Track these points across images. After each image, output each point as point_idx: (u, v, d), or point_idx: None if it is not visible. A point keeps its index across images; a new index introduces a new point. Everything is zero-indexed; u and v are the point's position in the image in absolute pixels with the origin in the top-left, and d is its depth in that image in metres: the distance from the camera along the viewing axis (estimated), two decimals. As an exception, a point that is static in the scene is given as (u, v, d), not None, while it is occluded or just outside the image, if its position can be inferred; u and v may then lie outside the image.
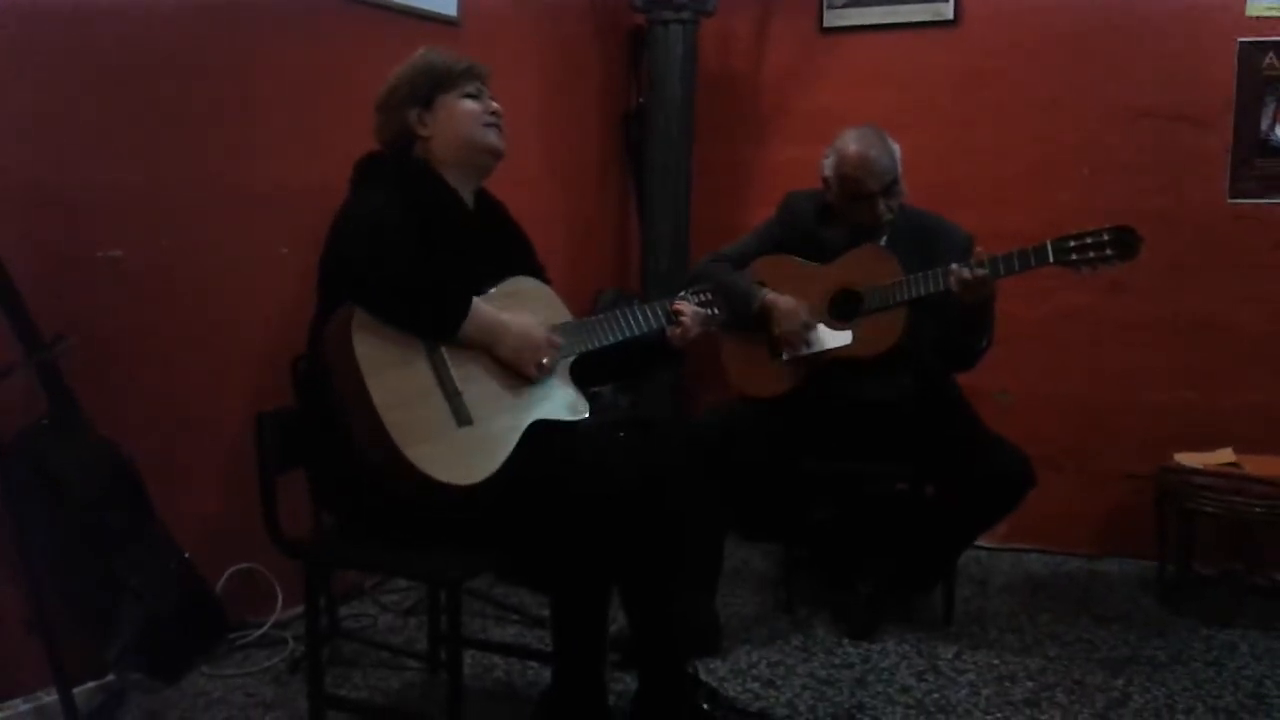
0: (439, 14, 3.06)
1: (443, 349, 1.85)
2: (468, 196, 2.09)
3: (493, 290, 2.00)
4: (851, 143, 2.67)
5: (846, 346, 2.66)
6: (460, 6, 3.12)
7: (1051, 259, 2.41)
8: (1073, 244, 2.40)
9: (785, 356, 2.71)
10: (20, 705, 2.17)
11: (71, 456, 2.12)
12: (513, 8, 3.41)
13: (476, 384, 1.88)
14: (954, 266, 2.47)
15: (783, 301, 2.68)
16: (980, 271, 2.43)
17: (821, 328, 2.69)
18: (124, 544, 2.18)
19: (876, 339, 2.63)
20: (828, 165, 2.71)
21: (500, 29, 3.28)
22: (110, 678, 2.27)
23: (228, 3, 2.52)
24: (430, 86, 2.06)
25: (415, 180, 2.00)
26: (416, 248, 1.82)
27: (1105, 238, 2.38)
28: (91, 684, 2.26)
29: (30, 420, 2.11)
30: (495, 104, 2.11)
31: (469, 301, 1.86)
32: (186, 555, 2.30)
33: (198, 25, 2.46)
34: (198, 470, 2.53)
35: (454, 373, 1.85)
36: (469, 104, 2.07)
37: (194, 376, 2.51)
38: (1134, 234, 2.38)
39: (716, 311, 2.29)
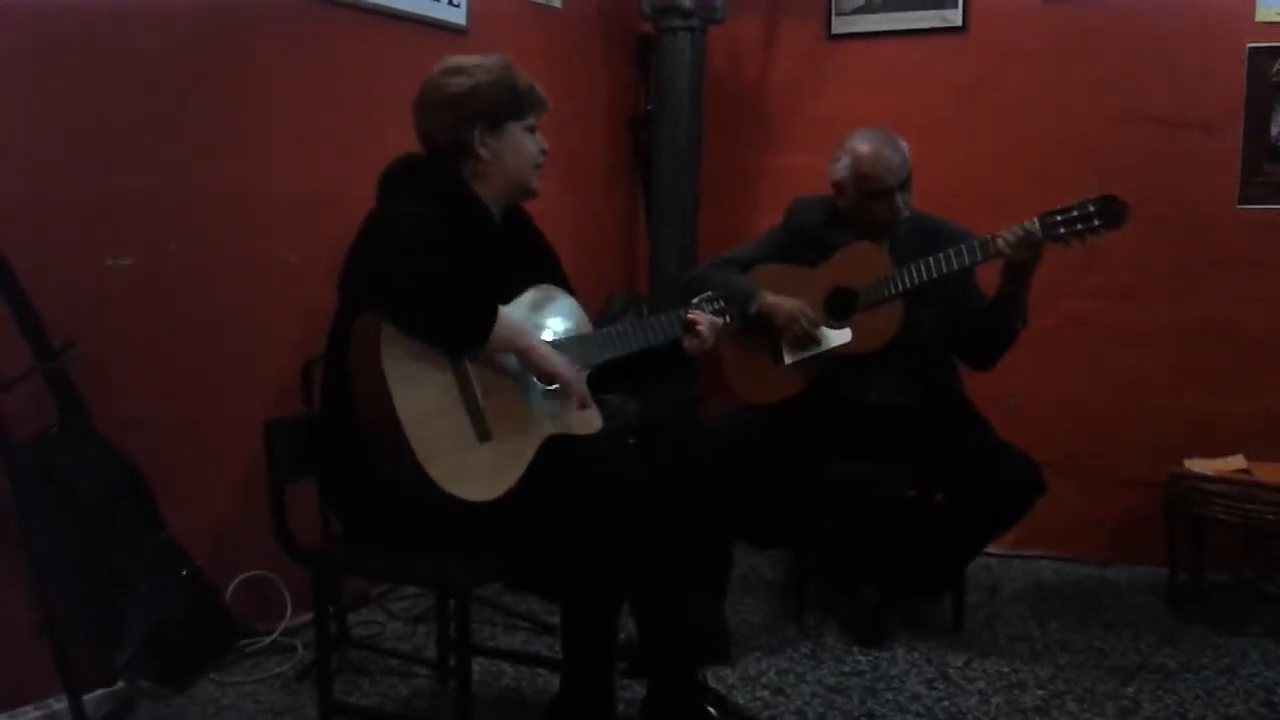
0: (448, 22, 3.06)
1: (467, 362, 1.85)
2: (497, 214, 2.09)
3: (517, 300, 2.01)
4: (863, 142, 2.68)
5: (847, 344, 2.66)
6: (469, 15, 3.12)
7: (1040, 234, 2.42)
8: (1059, 218, 2.41)
9: (788, 360, 2.71)
10: (31, 712, 2.17)
11: (80, 463, 2.12)
12: (521, 16, 3.42)
13: (498, 398, 1.88)
14: (997, 234, 2.48)
15: (785, 304, 2.68)
16: (1031, 227, 2.42)
17: (821, 328, 2.69)
18: (133, 551, 2.18)
19: (875, 334, 2.64)
20: (841, 167, 2.71)
21: (509, 37, 3.28)
22: (119, 685, 2.27)
23: (237, 9, 2.53)
24: (506, 109, 2.04)
25: (448, 194, 1.99)
26: (447, 258, 1.81)
27: (1091, 209, 2.39)
28: (101, 691, 2.26)
29: (40, 427, 2.11)
30: (545, 143, 2.11)
31: (495, 309, 1.84)
32: (196, 562, 2.30)
33: (206, 32, 2.47)
34: (207, 477, 2.53)
35: (478, 386, 1.85)
36: (530, 142, 2.07)
37: (203, 383, 2.51)
38: (1119, 201, 2.39)
39: (730, 319, 2.32)
